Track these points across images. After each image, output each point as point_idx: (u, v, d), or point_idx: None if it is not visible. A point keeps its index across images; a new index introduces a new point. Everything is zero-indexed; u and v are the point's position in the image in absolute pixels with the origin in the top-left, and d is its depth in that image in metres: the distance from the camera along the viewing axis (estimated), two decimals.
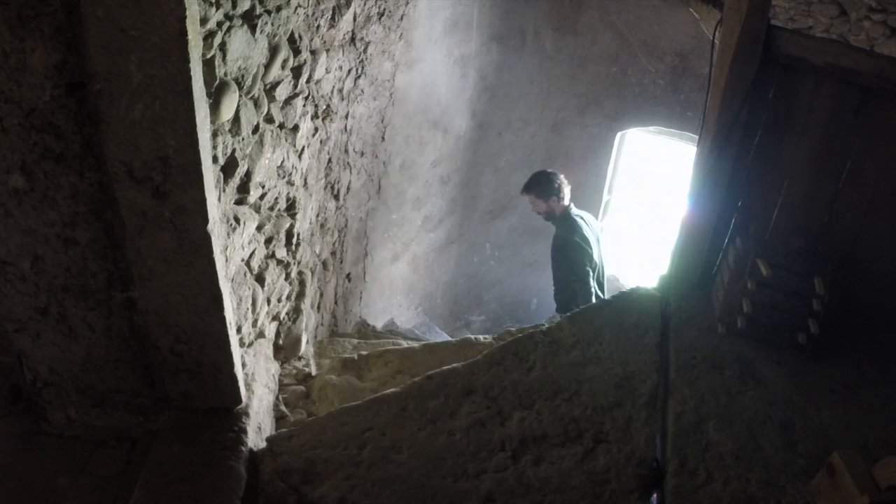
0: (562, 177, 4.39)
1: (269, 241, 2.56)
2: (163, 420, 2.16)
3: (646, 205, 6.99)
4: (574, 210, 4.47)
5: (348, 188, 3.62)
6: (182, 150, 1.64)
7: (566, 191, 4.39)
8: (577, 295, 4.48)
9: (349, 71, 3.17)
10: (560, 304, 4.67)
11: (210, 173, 1.76)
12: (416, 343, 3.53)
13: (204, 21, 1.66)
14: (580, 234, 4.43)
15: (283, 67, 2.30)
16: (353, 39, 3.10)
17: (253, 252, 2.41)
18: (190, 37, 1.51)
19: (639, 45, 5.23)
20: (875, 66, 2.40)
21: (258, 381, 2.46)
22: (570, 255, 4.40)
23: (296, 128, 2.59)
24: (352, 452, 2.14)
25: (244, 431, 2.14)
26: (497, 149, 5.67)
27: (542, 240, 5.72)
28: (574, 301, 4.51)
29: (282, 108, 2.41)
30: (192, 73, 1.55)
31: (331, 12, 2.74)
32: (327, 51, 2.79)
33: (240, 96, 1.97)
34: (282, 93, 2.35)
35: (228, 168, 2.04)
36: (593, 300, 4.42)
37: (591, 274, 4.42)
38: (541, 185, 4.40)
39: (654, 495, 2.08)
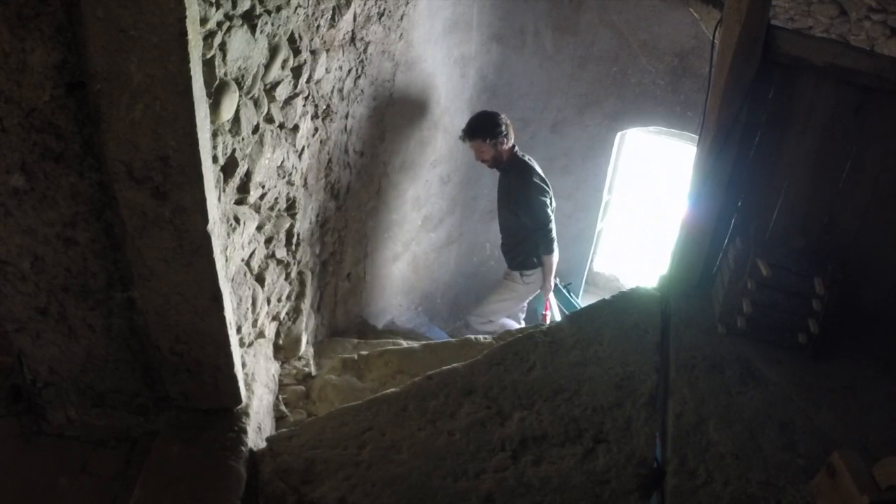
0: (504, 115, 4.03)
1: (269, 241, 2.56)
2: (163, 420, 2.16)
3: (646, 205, 6.99)
4: (519, 151, 4.10)
5: (348, 188, 3.62)
6: (182, 150, 1.64)
7: (511, 131, 4.02)
8: (539, 245, 4.12)
9: (349, 71, 3.17)
10: (517, 260, 4.30)
11: (210, 173, 1.76)
12: (416, 343, 3.53)
13: (204, 21, 1.66)
14: (538, 174, 4.04)
15: (283, 67, 2.30)
16: (353, 39, 3.10)
17: (253, 252, 2.41)
18: (190, 37, 1.51)
19: (639, 45, 5.23)
20: (875, 66, 2.40)
21: (258, 381, 2.46)
22: (533, 200, 3.97)
23: (296, 128, 2.59)
24: (352, 452, 2.14)
25: (244, 431, 2.14)
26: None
27: None
28: (535, 252, 4.17)
29: (282, 108, 2.41)
30: (192, 73, 1.55)
31: (331, 12, 2.74)
32: (327, 51, 2.79)
33: (240, 96, 1.97)
34: (282, 93, 2.35)
35: (228, 168, 2.04)
36: (556, 249, 4.12)
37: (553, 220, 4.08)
38: (486, 127, 3.95)
39: (654, 495, 2.08)
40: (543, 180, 4.07)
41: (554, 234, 4.12)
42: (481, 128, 4.01)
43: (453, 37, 4.57)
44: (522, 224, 4.13)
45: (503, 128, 3.99)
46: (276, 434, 2.29)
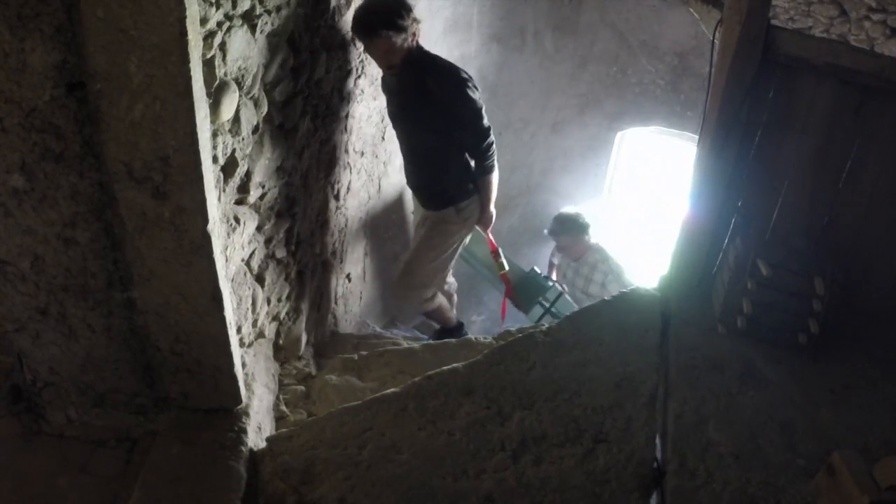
0: None
1: (269, 241, 2.56)
2: (163, 420, 2.16)
3: (646, 205, 6.99)
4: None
5: (348, 188, 3.62)
6: (182, 150, 1.64)
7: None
8: (478, 164, 3.17)
9: (349, 71, 3.17)
10: (447, 193, 3.28)
11: (210, 173, 1.76)
12: (416, 343, 3.53)
13: (204, 21, 1.66)
14: (464, 69, 3.05)
15: (283, 67, 2.30)
16: (353, 39, 3.10)
17: (253, 252, 2.41)
18: (190, 37, 1.51)
19: (639, 45, 5.23)
20: (875, 66, 2.40)
21: (258, 381, 2.46)
22: (472, 105, 2.97)
23: (296, 128, 2.59)
24: (352, 452, 2.14)
25: (244, 431, 2.14)
26: (496, 148, 5.65)
27: (543, 240, 5.71)
28: (470, 176, 3.23)
29: (282, 108, 2.41)
30: (192, 73, 1.55)
31: (331, 12, 2.74)
32: (327, 51, 2.78)
33: (240, 96, 1.97)
34: (282, 93, 2.35)
35: (228, 168, 2.04)
36: (496, 164, 3.25)
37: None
38: (395, 12, 2.79)
39: (654, 495, 2.08)
40: (468, 74, 3.06)
41: (495, 144, 3.17)
42: (390, 14, 2.77)
43: (453, 37, 4.57)
44: (458, 142, 3.10)
45: (413, 15, 2.87)
46: (276, 434, 2.29)
